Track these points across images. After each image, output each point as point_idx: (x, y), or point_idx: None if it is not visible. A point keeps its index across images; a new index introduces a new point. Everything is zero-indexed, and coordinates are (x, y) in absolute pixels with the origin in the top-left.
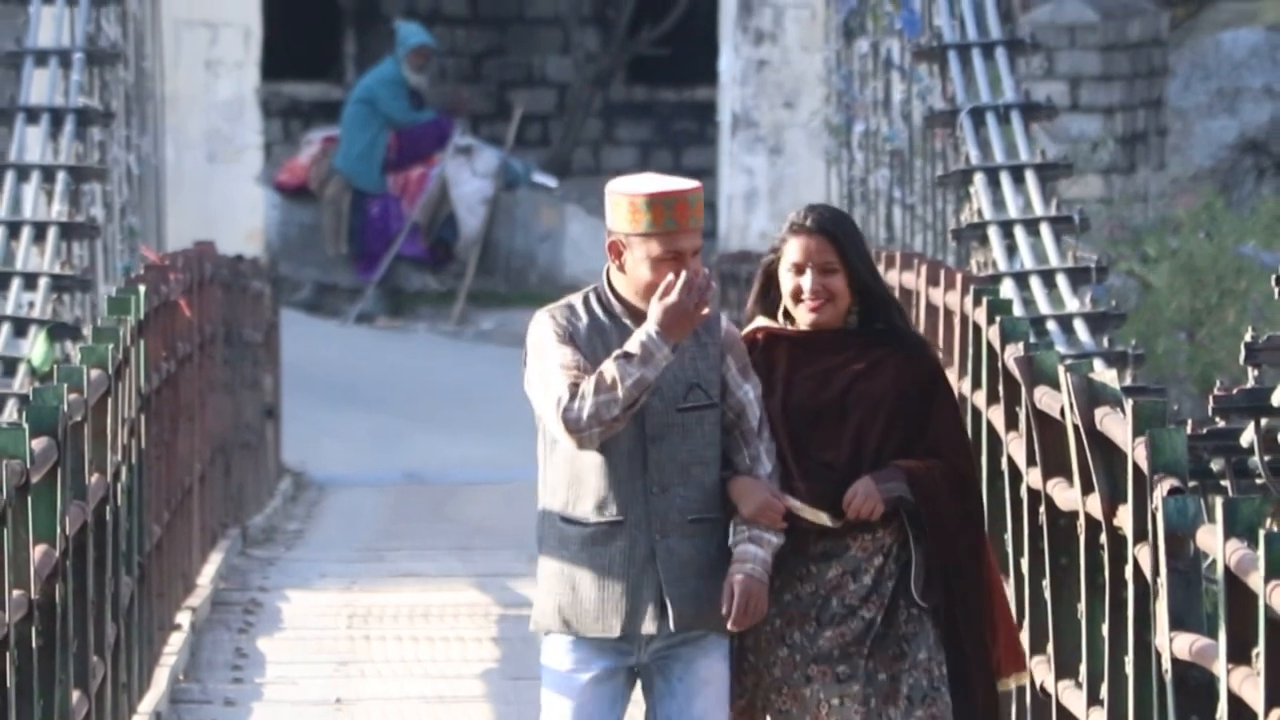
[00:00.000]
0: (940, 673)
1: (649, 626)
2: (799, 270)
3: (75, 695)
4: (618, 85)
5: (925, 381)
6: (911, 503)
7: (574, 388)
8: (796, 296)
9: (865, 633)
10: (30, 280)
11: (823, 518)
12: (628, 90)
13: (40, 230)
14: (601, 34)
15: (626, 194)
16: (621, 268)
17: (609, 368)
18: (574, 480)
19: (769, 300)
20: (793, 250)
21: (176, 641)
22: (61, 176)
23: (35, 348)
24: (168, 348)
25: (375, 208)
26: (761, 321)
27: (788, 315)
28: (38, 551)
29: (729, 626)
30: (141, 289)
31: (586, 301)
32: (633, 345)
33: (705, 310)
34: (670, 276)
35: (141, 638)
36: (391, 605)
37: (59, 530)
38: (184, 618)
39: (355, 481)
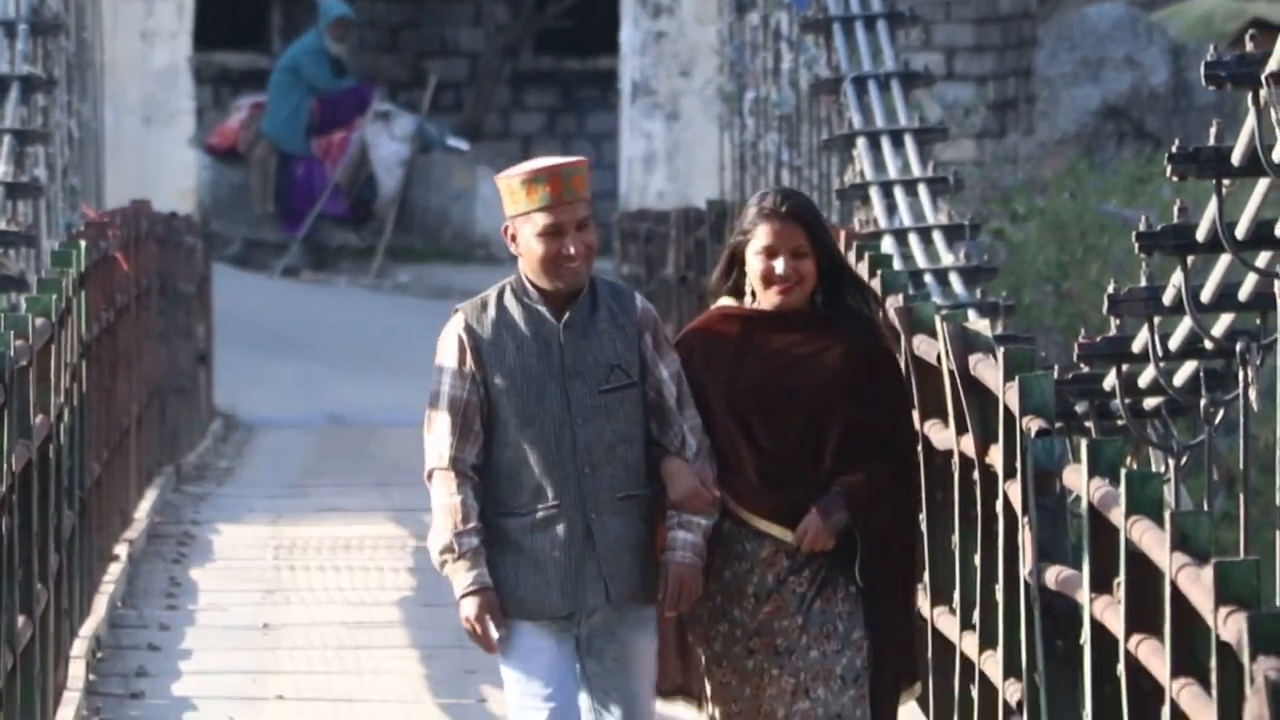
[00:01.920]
0: (867, 654)
1: (592, 601)
2: (771, 254)
3: (20, 620)
4: (526, 55)
5: (870, 365)
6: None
7: (442, 471)
8: (767, 280)
9: (799, 606)
10: None
11: (774, 530)
12: (535, 60)
13: None
14: (511, 7)
15: (506, 178)
16: (519, 252)
17: (447, 530)
18: (510, 474)
19: (733, 279)
20: (764, 234)
21: (115, 571)
22: (7, 140)
23: None
24: (107, 299)
25: (300, 169)
26: (725, 302)
27: (751, 293)
28: None
29: (665, 612)
30: (82, 244)
31: (500, 294)
32: (457, 551)
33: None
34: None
35: (82, 567)
36: (315, 537)
37: (6, 467)
38: (122, 549)
39: (282, 423)
